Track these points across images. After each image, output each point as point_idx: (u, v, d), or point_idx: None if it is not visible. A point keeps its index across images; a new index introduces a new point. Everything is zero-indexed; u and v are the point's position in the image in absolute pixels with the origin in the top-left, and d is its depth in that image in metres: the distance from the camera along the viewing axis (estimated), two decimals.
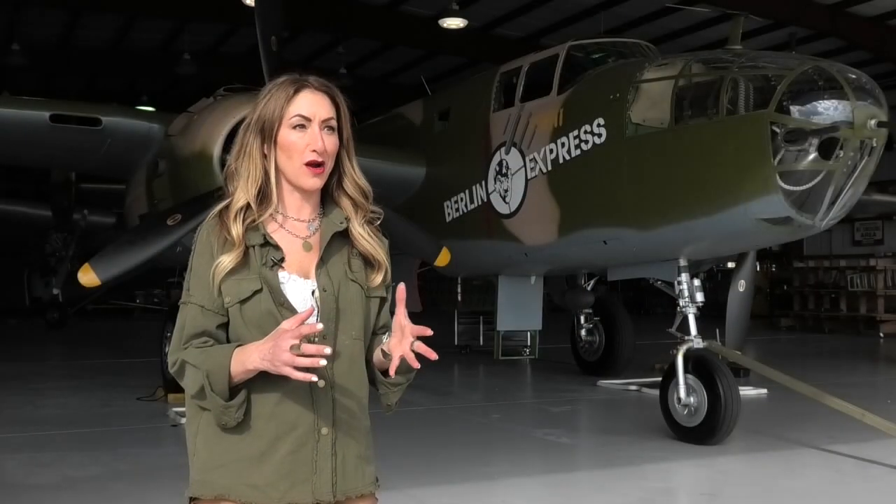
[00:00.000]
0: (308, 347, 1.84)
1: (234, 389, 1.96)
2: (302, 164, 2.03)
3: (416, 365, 1.94)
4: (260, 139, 2.06)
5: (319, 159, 2.03)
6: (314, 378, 1.87)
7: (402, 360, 1.94)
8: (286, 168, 2.06)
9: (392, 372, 1.97)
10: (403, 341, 1.92)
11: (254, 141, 2.07)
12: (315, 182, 2.06)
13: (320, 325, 1.90)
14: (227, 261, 2.00)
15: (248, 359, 1.91)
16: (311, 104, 2.05)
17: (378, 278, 2.13)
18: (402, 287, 1.99)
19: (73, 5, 15.61)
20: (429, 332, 1.92)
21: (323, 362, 1.85)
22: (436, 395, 9.64)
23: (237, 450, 2.00)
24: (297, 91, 2.05)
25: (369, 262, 2.13)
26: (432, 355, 1.92)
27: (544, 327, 11.41)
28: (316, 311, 2.02)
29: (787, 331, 20.05)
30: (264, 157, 2.07)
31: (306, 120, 2.04)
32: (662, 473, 6.25)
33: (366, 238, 2.12)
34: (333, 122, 2.07)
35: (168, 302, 19.62)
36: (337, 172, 2.12)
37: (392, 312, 2.03)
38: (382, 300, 2.15)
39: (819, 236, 13.83)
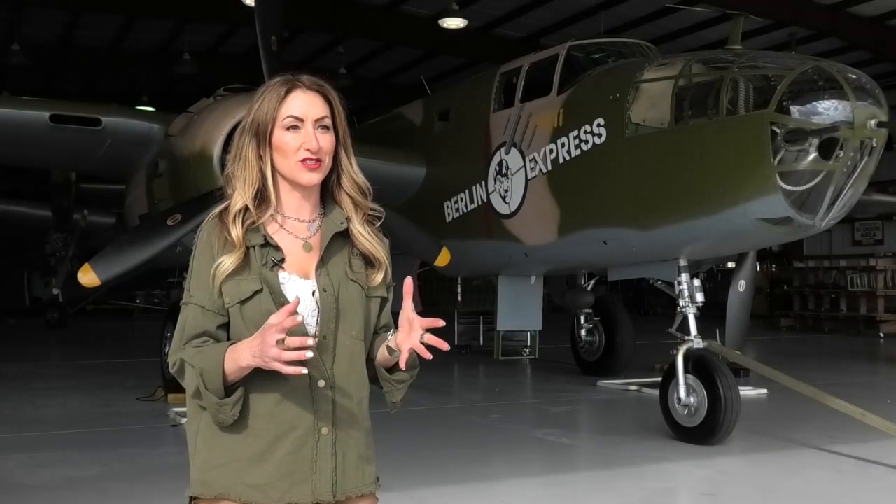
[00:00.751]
0: (292, 340, 1.83)
1: (231, 387, 1.97)
2: (297, 161, 2.04)
3: (428, 356, 1.94)
4: (255, 142, 2.07)
5: (314, 157, 2.04)
6: (304, 371, 1.87)
7: (411, 354, 1.95)
8: (282, 167, 2.06)
9: (403, 365, 1.98)
10: (412, 334, 1.93)
11: (249, 144, 2.07)
12: (312, 177, 2.06)
13: (300, 318, 1.91)
14: (227, 263, 2.00)
15: (240, 356, 1.92)
16: (304, 104, 2.05)
17: (378, 278, 2.13)
18: (408, 281, 1.99)
19: (73, 5, 15.62)
20: (441, 323, 1.93)
21: (309, 354, 1.85)
22: (436, 395, 9.64)
23: (237, 449, 2.00)
24: (288, 92, 2.06)
25: (370, 262, 2.13)
26: (444, 346, 1.94)
27: (544, 327, 11.40)
28: (316, 311, 2.03)
29: (787, 331, 20.04)
30: (260, 158, 2.07)
31: (299, 121, 2.04)
32: (662, 473, 6.25)
33: (366, 237, 2.12)
34: (328, 121, 2.07)
35: (168, 302, 19.63)
36: (336, 171, 2.13)
37: (399, 307, 2.03)
38: (383, 300, 2.15)
39: (819, 236, 13.84)
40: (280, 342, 1.82)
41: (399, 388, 2.12)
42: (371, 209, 2.16)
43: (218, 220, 2.06)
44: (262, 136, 2.06)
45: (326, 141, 2.06)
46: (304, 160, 2.03)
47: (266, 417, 2.00)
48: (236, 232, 2.01)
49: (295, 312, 1.86)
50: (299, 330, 1.94)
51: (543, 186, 8.43)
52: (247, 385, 1.99)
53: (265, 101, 2.06)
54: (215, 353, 1.96)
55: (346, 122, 2.13)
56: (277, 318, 1.84)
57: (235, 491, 1.99)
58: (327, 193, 2.14)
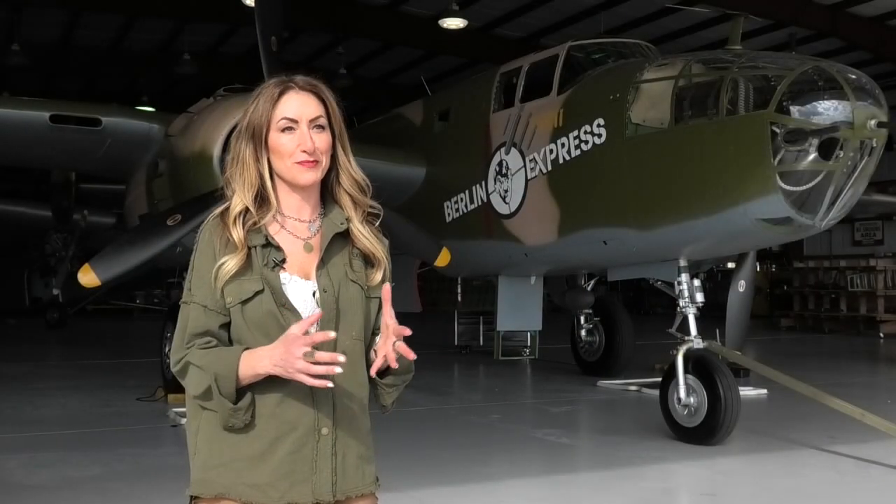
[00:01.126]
0: (321, 355, 1.86)
1: (239, 391, 1.98)
2: (294, 162, 2.04)
3: (395, 364, 1.95)
4: (252, 145, 2.07)
5: (311, 158, 2.04)
6: (330, 385, 1.88)
7: (399, 361, 1.96)
8: (280, 168, 2.07)
9: (373, 372, 2.01)
10: (387, 341, 1.94)
11: (245, 147, 2.08)
12: (309, 177, 2.06)
13: (333, 334, 1.92)
14: (230, 264, 2.01)
15: (258, 363, 1.92)
16: (297, 105, 2.05)
17: (377, 277, 2.13)
18: (387, 287, 2.02)
19: (73, 5, 15.62)
20: (407, 331, 1.95)
21: (338, 370, 1.87)
22: (436, 395, 9.64)
23: (237, 449, 2.00)
24: (281, 94, 2.06)
25: (369, 261, 2.13)
26: (410, 355, 1.96)
27: (544, 327, 11.40)
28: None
29: (787, 331, 20.05)
30: (257, 161, 2.07)
31: (293, 122, 2.04)
32: (662, 473, 6.25)
33: (366, 236, 2.13)
34: (323, 121, 2.07)
35: (168, 302, 19.64)
36: (334, 169, 2.13)
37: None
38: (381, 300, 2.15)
39: (819, 236, 13.85)
40: (308, 354, 1.83)
41: (389, 392, 2.13)
42: (370, 206, 2.16)
43: (219, 221, 2.06)
44: (259, 139, 2.06)
45: (322, 140, 2.06)
46: (300, 161, 2.04)
47: (267, 417, 2.00)
48: (237, 234, 2.02)
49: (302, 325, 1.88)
50: (326, 345, 1.94)
51: (543, 187, 8.43)
52: (250, 386, 1.99)
53: (259, 103, 2.07)
54: (229, 358, 1.96)
55: (343, 119, 2.14)
56: (300, 328, 1.86)
57: (235, 490, 1.99)
58: (327, 193, 2.15)
